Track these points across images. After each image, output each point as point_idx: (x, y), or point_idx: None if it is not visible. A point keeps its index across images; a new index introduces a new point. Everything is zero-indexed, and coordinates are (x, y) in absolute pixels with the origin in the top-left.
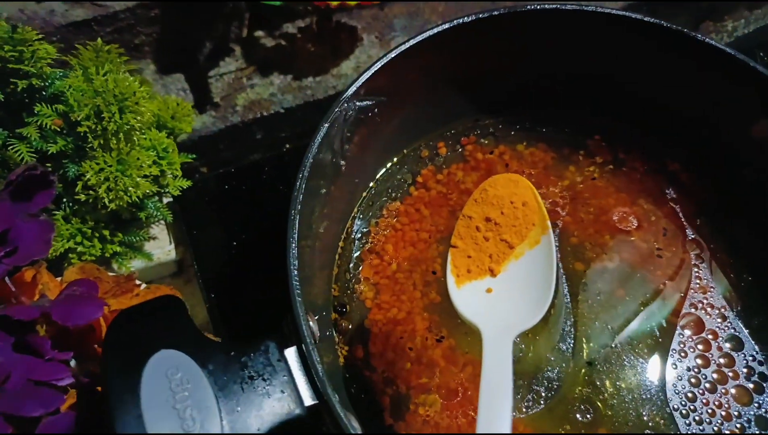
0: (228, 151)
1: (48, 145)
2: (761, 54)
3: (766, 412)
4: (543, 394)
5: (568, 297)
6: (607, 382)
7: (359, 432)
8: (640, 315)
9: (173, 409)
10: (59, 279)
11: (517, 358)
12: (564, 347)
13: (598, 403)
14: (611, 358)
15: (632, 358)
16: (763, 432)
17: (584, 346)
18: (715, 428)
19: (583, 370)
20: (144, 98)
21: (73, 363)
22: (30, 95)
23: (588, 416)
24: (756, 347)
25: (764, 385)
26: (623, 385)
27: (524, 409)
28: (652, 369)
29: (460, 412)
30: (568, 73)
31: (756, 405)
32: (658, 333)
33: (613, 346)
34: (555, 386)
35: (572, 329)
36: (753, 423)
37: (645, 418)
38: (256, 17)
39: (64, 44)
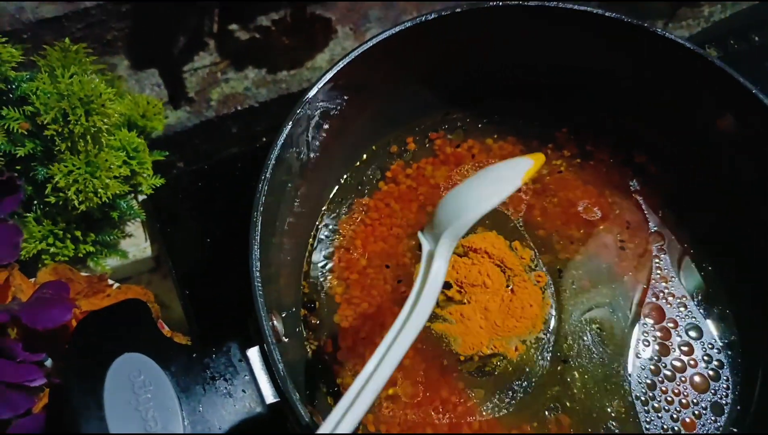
0: (204, 145)
1: (16, 148)
2: (731, 41)
3: (720, 398)
4: (518, 397)
5: (555, 296)
6: (577, 377)
7: (322, 428)
8: (607, 307)
9: (136, 411)
10: (33, 280)
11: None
12: (545, 342)
13: (566, 401)
14: (583, 353)
15: (601, 350)
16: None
17: (563, 343)
18: (673, 416)
19: (559, 368)
20: (111, 100)
21: (49, 363)
22: None
23: (556, 412)
24: (715, 335)
25: (720, 372)
26: (590, 378)
27: (498, 411)
28: (618, 360)
29: (428, 407)
30: (535, 67)
31: (712, 392)
32: (623, 324)
33: (584, 338)
34: (531, 387)
35: (556, 327)
36: (708, 410)
37: (608, 409)
38: (227, 10)
39: (33, 42)
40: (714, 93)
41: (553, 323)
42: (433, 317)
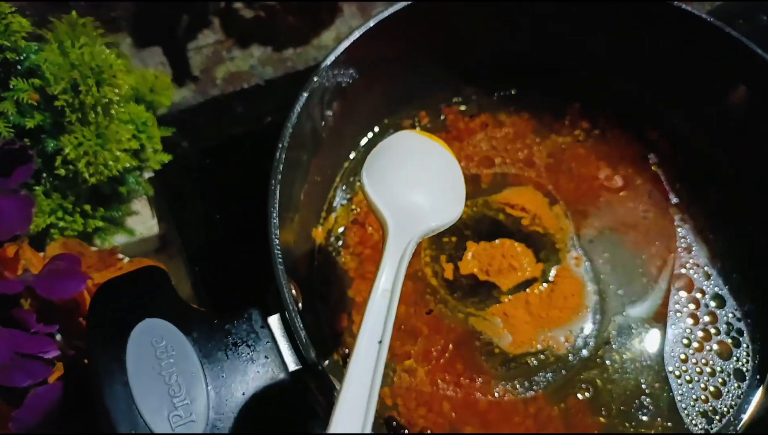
0: (209, 124)
1: (25, 120)
2: (740, 21)
3: (742, 365)
4: (550, 379)
5: (592, 273)
6: (616, 357)
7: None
8: (642, 279)
9: (159, 376)
10: (42, 254)
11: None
12: (591, 328)
13: (599, 381)
14: (624, 330)
15: (639, 325)
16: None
17: (607, 325)
18: (702, 385)
19: (600, 351)
20: (121, 71)
21: (59, 337)
22: (5, 70)
23: (587, 394)
24: (735, 304)
25: (740, 339)
26: (628, 356)
27: (522, 393)
28: (654, 334)
29: (442, 378)
30: (547, 42)
31: (734, 359)
32: (658, 295)
33: (624, 314)
34: (567, 371)
35: (600, 309)
36: (732, 376)
37: (643, 385)
38: None
39: (37, 18)
40: (727, 66)
41: (596, 307)
42: (470, 316)
